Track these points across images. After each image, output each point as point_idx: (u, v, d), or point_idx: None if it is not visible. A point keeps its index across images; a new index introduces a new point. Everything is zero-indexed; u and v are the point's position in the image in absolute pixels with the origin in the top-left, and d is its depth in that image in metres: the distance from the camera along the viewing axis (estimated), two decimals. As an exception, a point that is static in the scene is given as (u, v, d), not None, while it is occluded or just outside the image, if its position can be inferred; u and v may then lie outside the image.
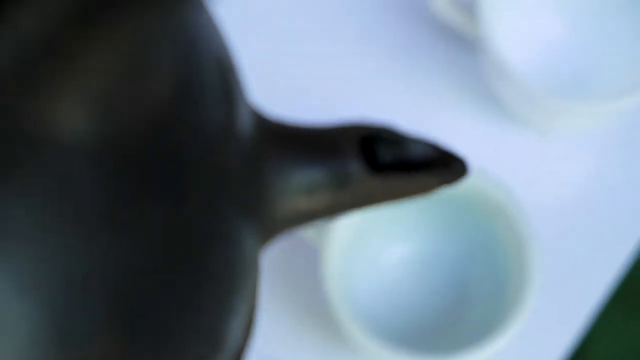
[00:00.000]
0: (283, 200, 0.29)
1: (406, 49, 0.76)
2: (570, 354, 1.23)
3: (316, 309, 0.71)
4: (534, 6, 0.74)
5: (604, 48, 0.74)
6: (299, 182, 0.30)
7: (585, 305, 0.71)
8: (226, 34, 0.77)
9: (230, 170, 0.27)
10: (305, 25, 0.77)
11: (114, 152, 0.22)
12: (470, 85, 0.75)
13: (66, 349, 0.21)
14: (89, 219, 0.22)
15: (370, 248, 0.69)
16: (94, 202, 0.22)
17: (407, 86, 0.75)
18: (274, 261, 0.71)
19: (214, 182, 0.26)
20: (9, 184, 0.20)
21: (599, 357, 1.24)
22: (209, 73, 0.26)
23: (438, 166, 0.31)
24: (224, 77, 0.27)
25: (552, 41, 0.74)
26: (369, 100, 0.74)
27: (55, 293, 0.21)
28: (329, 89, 0.74)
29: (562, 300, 0.71)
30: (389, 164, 0.31)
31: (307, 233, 0.67)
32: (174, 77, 0.24)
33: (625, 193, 0.73)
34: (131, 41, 0.22)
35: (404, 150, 0.31)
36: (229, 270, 0.27)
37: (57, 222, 0.21)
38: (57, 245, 0.21)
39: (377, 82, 0.76)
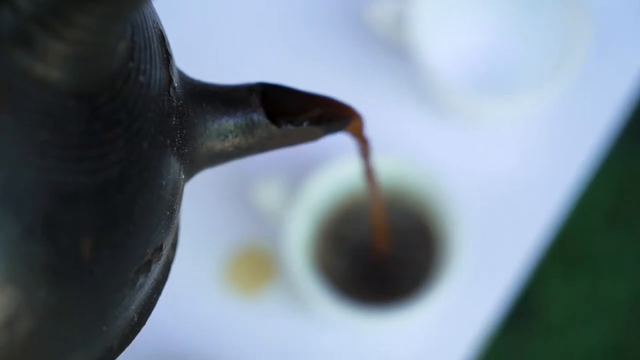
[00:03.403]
0: (203, 143, 0.35)
1: (342, 56, 0.82)
2: (512, 307, 1.27)
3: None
4: (457, 17, 0.80)
5: (519, 52, 0.80)
6: (215, 129, 0.36)
7: (511, 266, 0.79)
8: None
9: (168, 118, 0.33)
10: (241, 36, 0.82)
11: (86, 94, 0.29)
12: (403, 87, 0.81)
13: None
14: (66, 142, 0.28)
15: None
16: (70, 131, 0.28)
17: (342, 90, 0.81)
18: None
19: (157, 126, 0.32)
20: (4, 106, 0.27)
21: (550, 311, 1.27)
22: (154, 42, 0.32)
23: (324, 117, 0.38)
24: (163, 46, 0.34)
25: (473, 46, 0.80)
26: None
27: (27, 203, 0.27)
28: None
29: (491, 266, 0.79)
30: (284, 113, 0.37)
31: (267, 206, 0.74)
32: (130, 44, 0.31)
33: (543, 173, 0.80)
34: (98, 20, 0.27)
35: (296, 103, 0.38)
36: (167, 194, 0.33)
37: (36, 143, 0.27)
38: (36, 160, 0.27)
39: (318, 85, 0.81)
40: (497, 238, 0.79)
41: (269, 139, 0.37)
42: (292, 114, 0.38)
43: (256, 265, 0.78)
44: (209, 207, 0.80)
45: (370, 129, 0.81)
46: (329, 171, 0.74)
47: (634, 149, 1.32)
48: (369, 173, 0.52)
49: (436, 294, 0.71)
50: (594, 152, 0.81)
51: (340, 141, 0.80)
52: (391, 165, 0.74)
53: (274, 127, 0.37)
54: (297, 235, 0.73)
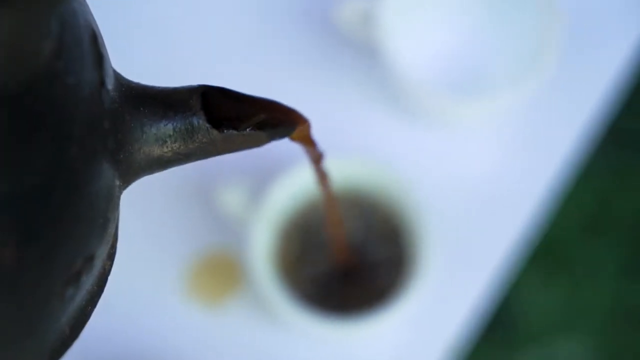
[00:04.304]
0: (140, 149, 0.34)
1: (309, 57, 0.81)
2: (490, 311, 1.27)
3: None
4: (428, 16, 0.80)
5: (491, 51, 0.80)
6: (153, 134, 0.35)
7: (487, 272, 0.78)
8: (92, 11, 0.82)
9: (100, 122, 0.32)
10: (202, 36, 0.81)
11: (8, 96, 0.28)
12: (373, 89, 0.81)
13: None
14: None
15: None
16: None
17: (311, 90, 0.81)
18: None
19: (87, 129, 0.31)
20: None
21: (528, 320, 1.28)
22: (85, 42, 0.32)
23: (269, 123, 0.37)
24: (95, 46, 0.33)
25: (444, 46, 0.80)
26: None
27: None
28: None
29: (467, 272, 0.78)
30: (228, 118, 0.36)
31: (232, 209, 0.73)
32: (56, 43, 0.30)
33: (519, 176, 0.80)
34: (19, 15, 0.28)
35: (240, 107, 0.37)
36: (99, 202, 0.32)
37: None
38: None
39: (285, 88, 0.81)
40: (472, 243, 0.79)
41: (211, 144, 0.36)
42: (235, 119, 0.37)
43: (220, 274, 0.77)
44: (169, 212, 0.79)
45: (339, 133, 0.80)
46: (294, 176, 0.73)
47: (614, 156, 1.33)
48: (322, 180, 0.50)
49: (406, 301, 0.70)
50: (572, 155, 0.81)
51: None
52: (361, 170, 0.73)
53: (215, 132, 0.36)
54: (261, 242, 0.72)
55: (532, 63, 0.75)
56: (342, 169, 0.73)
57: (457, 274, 0.78)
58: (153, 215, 0.79)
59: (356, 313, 0.73)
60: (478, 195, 0.79)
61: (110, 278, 0.77)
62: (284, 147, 0.80)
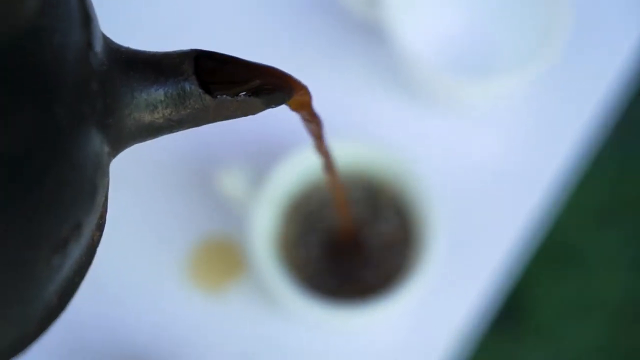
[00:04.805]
0: (130, 114, 0.34)
1: (314, 37, 0.81)
2: (500, 305, 1.27)
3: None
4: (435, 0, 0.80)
5: (498, 33, 0.79)
6: (144, 99, 0.34)
7: (495, 261, 0.77)
8: None
9: (87, 84, 0.32)
10: (209, 14, 0.81)
11: None
12: (378, 71, 0.80)
13: None
14: None
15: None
16: None
17: (316, 72, 0.80)
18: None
19: (73, 91, 0.30)
20: None
21: (538, 310, 1.29)
22: (70, 1, 0.31)
23: (265, 89, 0.36)
24: (82, 6, 0.32)
25: (451, 28, 0.79)
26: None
27: None
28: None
29: (473, 260, 0.77)
30: (222, 84, 0.35)
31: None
32: (40, 2, 0.29)
33: (528, 162, 0.79)
34: None
35: (234, 72, 0.36)
36: (86, 168, 0.32)
37: None
38: None
39: (289, 68, 0.80)
40: (479, 229, 0.78)
41: (203, 110, 0.35)
42: (229, 84, 0.36)
43: (221, 259, 0.76)
44: (168, 196, 0.78)
45: (344, 115, 0.79)
46: (296, 158, 0.72)
47: (626, 144, 1.33)
48: (324, 155, 0.48)
49: (412, 286, 0.68)
50: (582, 141, 0.80)
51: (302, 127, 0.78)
52: (366, 152, 0.72)
53: (208, 98, 0.35)
54: (263, 226, 0.71)
55: (541, 44, 0.74)
56: (348, 151, 0.72)
57: (465, 259, 0.77)
58: (152, 200, 0.78)
59: (360, 298, 0.72)
60: (485, 181, 0.78)
61: (107, 265, 0.76)
62: (286, 128, 0.79)
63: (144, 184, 0.78)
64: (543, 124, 0.80)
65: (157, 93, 0.35)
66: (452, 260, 0.77)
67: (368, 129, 0.79)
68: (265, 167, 0.78)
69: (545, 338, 1.27)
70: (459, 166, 0.79)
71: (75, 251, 0.33)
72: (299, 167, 0.72)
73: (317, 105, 0.79)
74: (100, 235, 0.35)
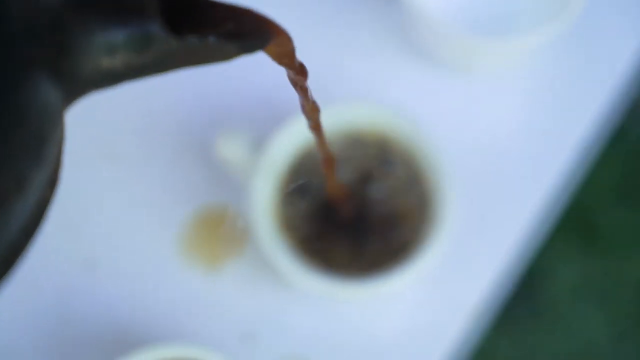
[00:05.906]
0: (86, 59, 0.31)
1: (326, 3, 0.78)
2: (518, 285, 1.26)
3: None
4: None
5: None
6: (102, 42, 0.31)
7: (511, 236, 0.74)
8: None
9: (34, 22, 0.29)
10: None
11: None
12: (389, 31, 0.77)
13: None
14: None
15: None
16: None
17: (324, 35, 0.77)
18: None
19: (17, 29, 0.28)
20: None
21: (554, 291, 1.27)
22: None
23: (239, 33, 0.33)
24: None
25: None
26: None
27: None
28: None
29: (486, 232, 0.74)
30: (192, 27, 0.32)
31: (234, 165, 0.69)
32: None
33: (544, 127, 0.76)
34: None
35: (205, 13, 0.33)
36: (31, 117, 0.29)
37: None
38: None
39: (300, 34, 0.78)
40: (494, 204, 0.75)
41: (169, 55, 0.32)
42: (200, 27, 0.33)
43: (220, 232, 0.74)
44: (164, 167, 0.75)
45: (354, 80, 0.76)
46: (296, 125, 0.69)
47: None
48: (309, 114, 0.44)
49: (422, 262, 0.66)
50: (605, 105, 0.77)
51: (315, 92, 0.76)
52: (378, 113, 0.69)
53: (174, 42, 0.32)
54: (263, 197, 0.68)
55: (561, 3, 0.71)
56: (358, 112, 0.70)
57: (480, 231, 0.74)
58: (147, 170, 0.76)
59: (368, 271, 0.69)
60: (502, 149, 0.76)
61: (100, 239, 0.74)
62: (286, 94, 0.76)
63: (138, 154, 0.76)
64: (562, 90, 0.77)
65: (117, 35, 0.32)
66: (466, 229, 0.74)
67: (380, 93, 0.77)
68: (265, 134, 0.75)
69: (560, 319, 1.26)
70: (474, 134, 0.76)
71: (20, 209, 0.31)
72: (301, 133, 0.69)
73: (324, 67, 0.76)
74: (53, 193, 0.32)
